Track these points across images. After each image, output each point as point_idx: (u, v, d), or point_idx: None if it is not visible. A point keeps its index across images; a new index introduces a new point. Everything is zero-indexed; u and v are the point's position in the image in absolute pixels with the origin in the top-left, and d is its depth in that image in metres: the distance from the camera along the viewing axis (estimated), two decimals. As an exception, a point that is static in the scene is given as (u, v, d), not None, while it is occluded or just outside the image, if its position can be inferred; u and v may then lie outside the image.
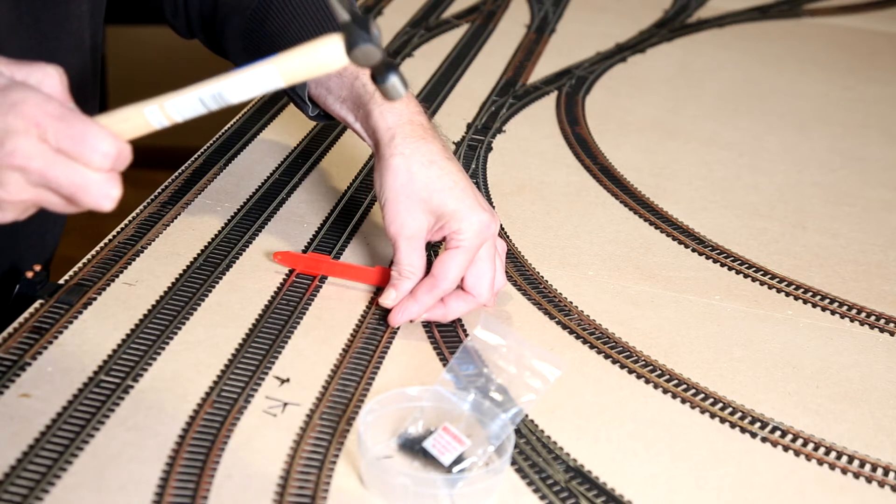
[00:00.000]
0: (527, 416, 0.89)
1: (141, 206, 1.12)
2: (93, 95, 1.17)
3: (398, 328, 0.98)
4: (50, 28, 1.06)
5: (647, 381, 0.95)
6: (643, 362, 0.97)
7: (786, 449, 0.89)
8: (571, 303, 1.05)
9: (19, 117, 0.74)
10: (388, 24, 1.68)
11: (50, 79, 0.77)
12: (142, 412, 0.85)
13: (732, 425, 0.91)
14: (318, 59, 0.81)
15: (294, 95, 1.12)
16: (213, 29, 1.17)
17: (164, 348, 0.92)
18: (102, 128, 0.76)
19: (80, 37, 1.11)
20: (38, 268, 0.98)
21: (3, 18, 1.01)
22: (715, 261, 1.15)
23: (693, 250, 1.16)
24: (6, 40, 1.02)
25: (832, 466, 0.88)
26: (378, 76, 0.83)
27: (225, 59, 1.20)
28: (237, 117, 1.34)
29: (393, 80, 0.83)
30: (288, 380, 0.90)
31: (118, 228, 1.08)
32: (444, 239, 0.98)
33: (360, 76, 1.04)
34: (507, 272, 1.08)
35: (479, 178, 1.27)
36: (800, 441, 0.90)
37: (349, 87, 1.05)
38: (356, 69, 1.03)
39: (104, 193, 0.76)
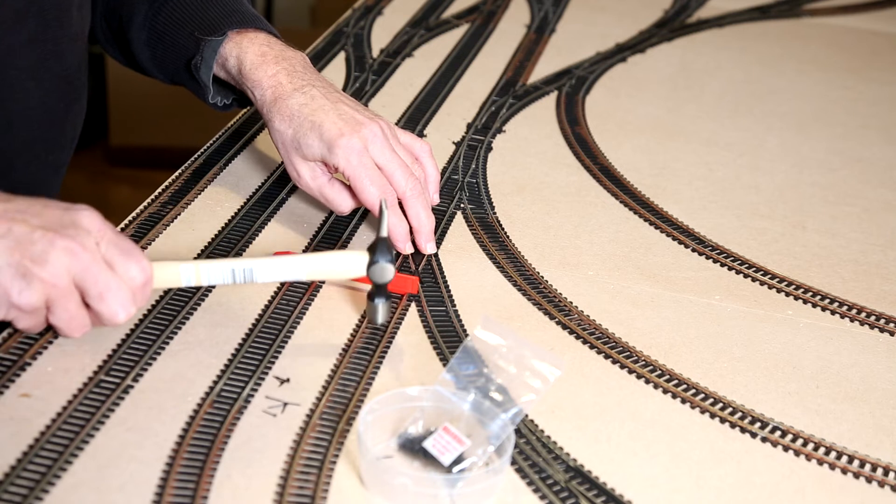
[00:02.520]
0: (527, 416, 0.89)
1: (141, 206, 1.12)
2: (85, 86, 1.17)
3: (398, 327, 0.98)
4: (54, 16, 1.07)
5: (647, 381, 0.95)
6: (643, 362, 0.97)
7: (786, 449, 0.89)
8: (571, 303, 1.05)
9: (88, 220, 0.86)
10: (388, 24, 1.69)
11: (94, 213, 0.88)
12: (142, 412, 0.85)
13: (732, 425, 0.91)
14: (341, 266, 0.94)
15: (197, 87, 1.16)
16: (122, 34, 1.21)
17: (164, 348, 0.92)
18: (142, 253, 0.88)
19: (82, 27, 1.13)
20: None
21: (11, 5, 1.02)
22: (715, 261, 1.15)
23: (693, 250, 1.16)
24: (14, 27, 1.03)
25: (832, 466, 0.88)
26: (374, 296, 0.95)
27: (141, 71, 1.23)
28: (237, 117, 1.34)
29: (378, 305, 0.95)
30: (288, 380, 0.90)
31: (118, 228, 1.08)
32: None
33: (228, 59, 1.12)
34: (507, 272, 1.08)
35: (479, 178, 1.27)
36: (800, 441, 0.90)
37: (223, 68, 1.13)
38: (227, 52, 1.12)
39: (125, 304, 0.86)
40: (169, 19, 1.15)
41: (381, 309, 0.95)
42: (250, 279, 0.92)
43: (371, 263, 0.93)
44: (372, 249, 0.93)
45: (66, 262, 0.84)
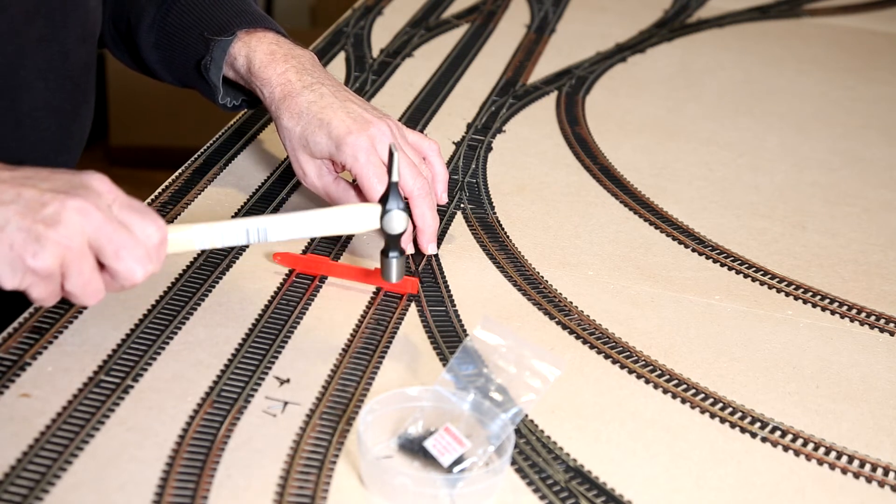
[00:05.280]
0: (527, 416, 0.89)
1: (141, 206, 1.12)
2: (93, 89, 1.18)
3: (398, 328, 0.98)
4: (61, 17, 1.07)
5: (647, 381, 0.95)
6: (643, 362, 0.97)
7: (786, 449, 0.89)
8: (571, 303, 1.05)
9: (99, 182, 0.84)
10: (388, 24, 1.69)
11: (104, 177, 0.86)
12: (142, 412, 0.85)
13: (732, 425, 0.91)
14: (354, 220, 0.93)
15: (207, 88, 1.16)
16: (130, 37, 1.21)
17: (164, 348, 0.92)
18: (157, 214, 0.86)
19: (91, 30, 1.13)
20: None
21: (22, 6, 1.02)
22: (715, 261, 1.15)
23: (693, 250, 1.16)
24: (23, 28, 1.03)
25: (832, 466, 0.88)
26: (388, 251, 0.95)
27: (150, 74, 1.23)
28: (238, 117, 1.34)
29: (392, 261, 0.95)
30: (288, 380, 0.90)
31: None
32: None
33: (237, 58, 1.12)
34: (507, 272, 1.08)
35: (479, 178, 1.27)
36: (800, 441, 0.90)
37: (232, 68, 1.14)
38: (236, 52, 1.12)
39: (142, 261, 0.83)
40: (178, 21, 1.16)
41: (396, 265, 0.94)
42: (264, 238, 0.91)
43: (384, 213, 0.92)
44: (384, 199, 0.92)
45: (80, 223, 0.81)
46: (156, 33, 1.17)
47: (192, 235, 0.89)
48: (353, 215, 0.94)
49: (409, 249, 1.08)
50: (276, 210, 1.15)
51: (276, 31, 1.14)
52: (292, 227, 0.91)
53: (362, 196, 1.07)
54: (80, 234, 0.81)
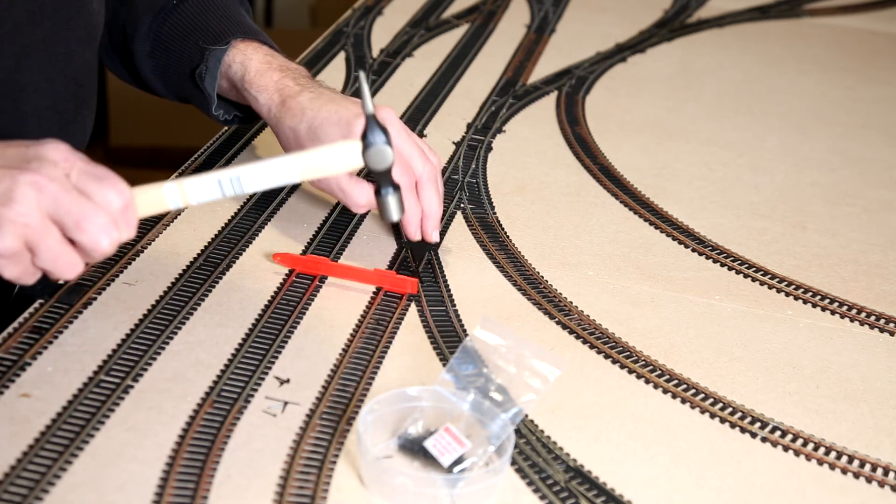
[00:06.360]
0: (527, 416, 0.89)
1: (141, 206, 1.12)
2: (95, 91, 1.17)
3: (398, 328, 0.98)
4: (64, 19, 1.07)
5: (647, 381, 0.95)
6: (643, 362, 0.97)
7: (786, 449, 0.89)
8: (571, 303, 1.05)
9: (54, 151, 0.81)
10: (388, 24, 1.69)
11: (60, 144, 0.83)
12: (142, 412, 0.85)
13: (732, 425, 0.91)
14: (334, 160, 0.86)
15: (201, 98, 1.15)
16: (125, 46, 1.20)
17: (164, 348, 0.92)
18: (119, 177, 0.81)
19: (93, 31, 1.13)
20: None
21: (25, 7, 1.02)
22: (715, 261, 1.15)
23: (693, 250, 1.16)
24: (26, 28, 1.03)
25: (832, 466, 0.88)
26: (380, 189, 0.91)
27: (142, 85, 1.23)
28: (237, 117, 1.34)
29: (387, 198, 0.91)
30: (288, 380, 0.90)
31: (118, 228, 1.08)
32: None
33: (232, 66, 1.11)
34: (507, 272, 1.08)
35: (479, 178, 1.27)
36: (800, 441, 0.90)
37: (226, 76, 1.12)
38: (231, 59, 1.11)
39: (105, 230, 0.80)
40: (173, 30, 1.16)
41: (392, 202, 0.89)
42: (240, 190, 0.85)
43: (366, 148, 0.86)
44: (363, 134, 0.86)
45: (34, 198, 0.79)
46: (151, 42, 1.17)
47: (163, 194, 0.84)
48: (333, 155, 0.87)
49: (417, 236, 1.06)
50: (276, 210, 1.15)
51: (270, 46, 1.15)
52: (268, 175, 0.85)
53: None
54: (36, 210, 0.79)
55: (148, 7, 1.18)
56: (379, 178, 0.91)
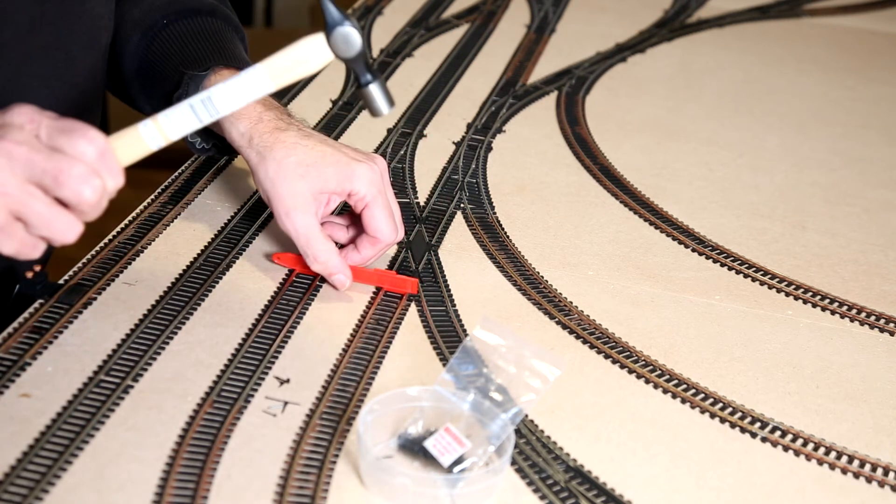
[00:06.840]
0: (527, 416, 0.89)
1: (141, 206, 1.12)
2: (100, 97, 1.17)
3: (398, 328, 0.98)
4: (66, 25, 1.06)
5: (647, 381, 0.95)
6: (643, 362, 0.98)
7: (786, 449, 0.89)
8: (571, 303, 1.05)
9: (18, 115, 0.79)
10: (388, 24, 1.69)
11: (24, 106, 0.80)
12: (142, 412, 0.85)
13: (732, 425, 0.91)
14: (303, 56, 0.82)
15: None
16: (115, 63, 1.18)
17: (164, 348, 0.92)
18: (91, 126, 0.79)
19: (96, 36, 1.12)
20: (37, 268, 0.98)
21: (27, 13, 1.02)
22: (715, 261, 1.15)
23: (693, 250, 1.17)
24: (28, 34, 1.02)
25: (832, 466, 0.88)
26: (360, 81, 0.86)
27: (132, 103, 1.21)
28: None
29: (371, 90, 0.85)
30: (288, 380, 0.90)
31: (118, 228, 1.08)
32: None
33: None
34: (507, 272, 1.08)
35: (479, 178, 1.27)
36: (800, 441, 0.90)
37: None
38: (209, 85, 1.05)
39: (85, 180, 0.77)
40: (160, 50, 1.13)
41: (378, 92, 0.84)
42: (215, 112, 0.82)
43: (330, 35, 0.82)
44: (323, 24, 0.82)
45: (5, 165, 0.77)
46: (138, 60, 1.15)
47: (140, 134, 0.83)
48: (299, 52, 0.83)
49: (400, 236, 1.04)
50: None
51: None
52: (240, 89, 0.82)
53: (363, 223, 1.03)
54: (11, 177, 0.77)
55: (137, 25, 1.15)
56: (354, 67, 0.86)
